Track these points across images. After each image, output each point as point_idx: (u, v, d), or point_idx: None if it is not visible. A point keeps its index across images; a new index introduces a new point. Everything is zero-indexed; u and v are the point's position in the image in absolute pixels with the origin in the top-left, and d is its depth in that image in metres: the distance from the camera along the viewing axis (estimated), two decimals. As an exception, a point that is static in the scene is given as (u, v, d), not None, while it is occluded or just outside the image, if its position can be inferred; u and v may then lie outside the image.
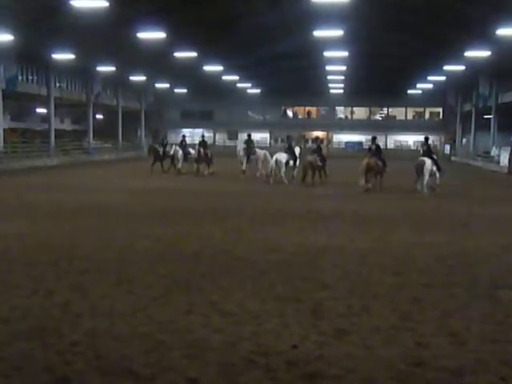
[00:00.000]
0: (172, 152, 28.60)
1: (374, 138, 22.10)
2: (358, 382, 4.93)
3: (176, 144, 29.97)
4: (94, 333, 5.94)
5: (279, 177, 23.60)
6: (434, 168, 20.36)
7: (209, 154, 28.16)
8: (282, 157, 23.34)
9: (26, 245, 10.39)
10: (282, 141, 61.07)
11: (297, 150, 24.68)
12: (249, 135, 27.77)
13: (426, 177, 20.03)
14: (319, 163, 22.78)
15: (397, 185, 22.48)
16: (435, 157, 21.34)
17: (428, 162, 20.16)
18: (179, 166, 28.50)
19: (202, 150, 27.84)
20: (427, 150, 21.13)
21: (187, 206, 16.08)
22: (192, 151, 28.78)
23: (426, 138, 22.28)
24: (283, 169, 23.30)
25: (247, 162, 26.71)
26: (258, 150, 26.84)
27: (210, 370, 5.11)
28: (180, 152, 28.66)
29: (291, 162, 23.80)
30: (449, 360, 5.36)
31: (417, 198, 18.90)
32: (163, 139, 31.72)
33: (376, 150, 21.38)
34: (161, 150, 29.59)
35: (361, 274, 8.45)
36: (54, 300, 7.03)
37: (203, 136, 29.70)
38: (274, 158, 23.50)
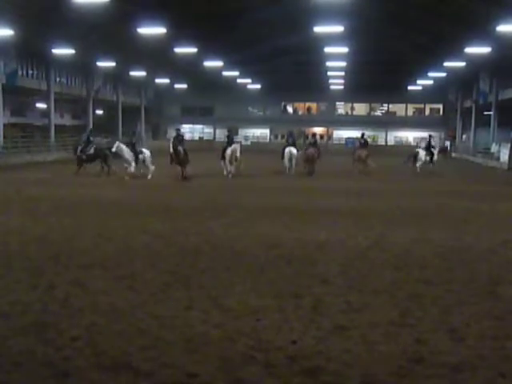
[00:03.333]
0: (114, 149, 22.37)
1: (362, 134, 29.03)
2: (358, 378, 4.94)
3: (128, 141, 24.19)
4: (94, 328, 5.94)
5: (293, 169, 25.57)
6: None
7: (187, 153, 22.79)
8: (295, 150, 25.66)
9: (25, 239, 10.38)
10: (283, 137, 61.26)
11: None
12: (229, 130, 24.84)
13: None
14: (316, 156, 25.85)
15: (397, 182, 22.49)
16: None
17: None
18: (131, 169, 22.66)
19: (179, 147, 22.24)
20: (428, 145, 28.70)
21: (187, 201, 16.06)
22: (146, 152, 23.34)
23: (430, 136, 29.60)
24: (294, 161, 25.54)
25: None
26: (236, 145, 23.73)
27: (209, 365, 5.12)
28: (127, 151, 22.66)
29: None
30: (448, 356, 5.37)
31: (417, 195, 18.90)
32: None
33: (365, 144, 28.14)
34: (86, 148, 24.00)
35: (361, 270, 8.45)
36: (53, 295, 7.04)
37: (178, 129, 24.33)
38: (288, 151, 25.59)
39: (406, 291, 7.39)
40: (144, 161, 23.07)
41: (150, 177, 22.73)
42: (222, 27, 32.88)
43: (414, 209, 15.41)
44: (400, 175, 26.65)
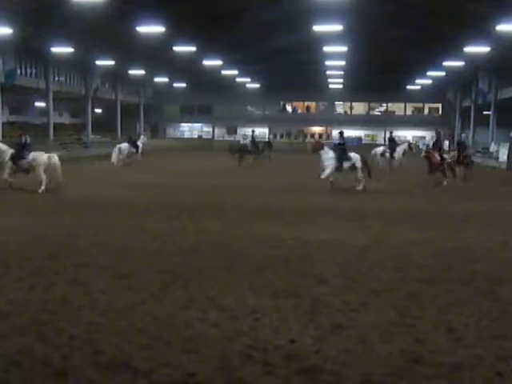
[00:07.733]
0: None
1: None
2: (356, 378, 4.94)
3: None
4: (93, 327, 5.95)
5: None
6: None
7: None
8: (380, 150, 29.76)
9: (24, 238, 10.37)
10: (282, 136, 61.96)
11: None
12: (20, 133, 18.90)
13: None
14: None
15: (395, 181, 22.48)
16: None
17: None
18: None
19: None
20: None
21: (185, 201, 16.04)
22: None
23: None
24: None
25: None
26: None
27: (207, 364, 5.13)
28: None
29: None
30: (446, 356, 5.38)
31: (416, 195, 18.90)
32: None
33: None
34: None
35: (359, 270, 8.46)
36: (52, 294, 7.04)
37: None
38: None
39: (404, 291, 7.40)
40: None
41: None
42: (221, 26, 32.82)
43: (413, 209, 15.40)
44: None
